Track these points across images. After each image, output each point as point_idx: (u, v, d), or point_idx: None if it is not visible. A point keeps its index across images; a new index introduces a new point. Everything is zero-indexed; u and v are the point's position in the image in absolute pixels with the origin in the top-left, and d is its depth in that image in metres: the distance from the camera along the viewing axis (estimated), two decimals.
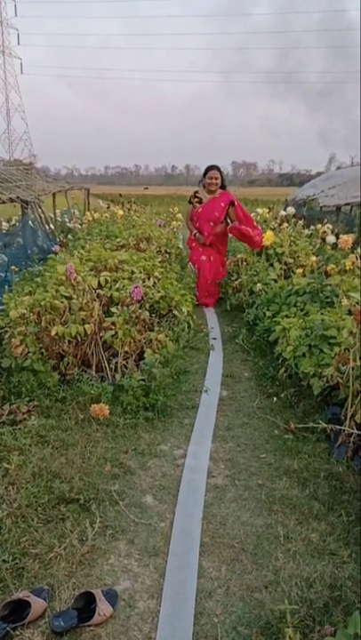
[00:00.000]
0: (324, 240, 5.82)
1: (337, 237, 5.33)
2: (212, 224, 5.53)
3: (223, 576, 1.75)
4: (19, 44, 71.15)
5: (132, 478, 2.30)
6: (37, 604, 1.55)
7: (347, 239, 4.33)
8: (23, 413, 2.74)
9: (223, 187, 5.57)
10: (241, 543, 1.90)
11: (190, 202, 5.73)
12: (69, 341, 3.15)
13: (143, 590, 1.69)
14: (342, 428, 2.45)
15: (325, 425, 2.49)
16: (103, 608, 1.54)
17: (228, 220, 5.60)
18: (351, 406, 2.49)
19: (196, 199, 5.63)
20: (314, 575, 1.73)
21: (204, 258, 5.62)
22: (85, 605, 1.57)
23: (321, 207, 11.88)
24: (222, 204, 5.46)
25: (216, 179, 5.40)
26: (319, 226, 6.68)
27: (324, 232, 6.09)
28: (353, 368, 2.44)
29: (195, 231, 5.69)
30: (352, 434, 2.44)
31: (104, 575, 1.74)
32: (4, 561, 1.74)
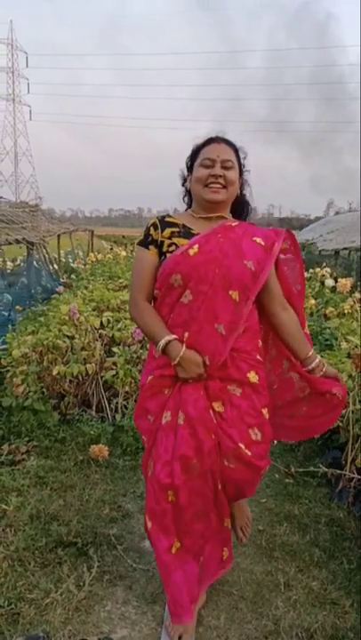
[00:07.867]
0: (322, 283, 5.92)
1: (336, 281, 5.43)
2: (232, 295, 1.53)
3: (222, 625, 1.71)
4: (28, 92, 74.24)
5: (130, 522, 2.27)
6: None
7: (345, 283, 4.42)
8: (22, 454, 2.74)
9: (244, 210, 1.76)
10: (240, 591, 1.86)
11: (148, 242, 1.65)
12: (70, 381, 3.17)
13: (141, 639, 1.65)
14: (343, 472, 2.44)
15: (326, 469, 2.48)
16: None
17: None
18: (351, 450, 2.48)
19: (170, 229, 1.63)
20: (315, 625, 1.69)
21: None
22: None
23: (320, 251, 12.14)
24: (260, 242, 1.58)
25: (227, 166, 1.58)
26: (318, 269, 6.81)
27: (323, 275, 6.20)
28: (353, 412, 2.46)
29: (166, 338, 1.52)
30: (353, 479, 2.42)
31: (101, 622, 1.70)
32: None
